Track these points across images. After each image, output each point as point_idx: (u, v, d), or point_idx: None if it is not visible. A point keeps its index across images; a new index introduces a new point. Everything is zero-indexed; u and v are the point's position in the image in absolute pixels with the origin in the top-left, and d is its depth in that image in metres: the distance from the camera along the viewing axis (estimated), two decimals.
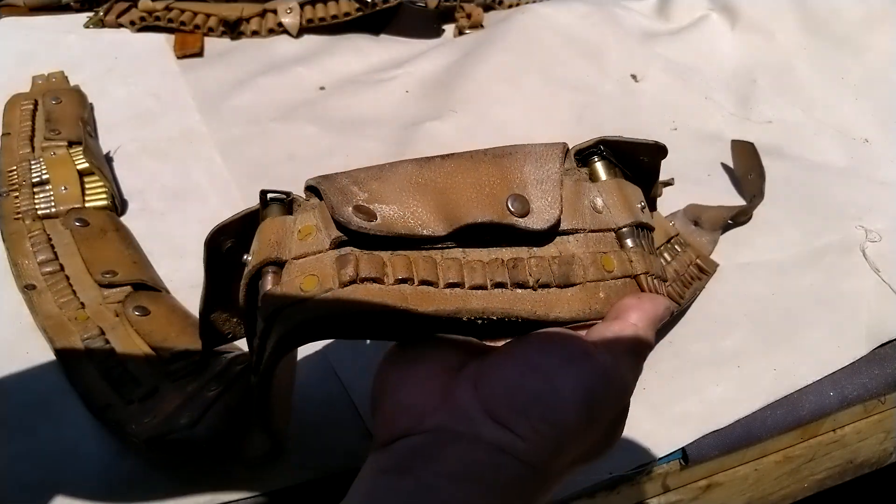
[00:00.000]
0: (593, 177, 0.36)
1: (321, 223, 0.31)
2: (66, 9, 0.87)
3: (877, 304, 0.54)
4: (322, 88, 0.78)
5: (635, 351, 0.31)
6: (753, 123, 0.77)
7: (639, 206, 0.36)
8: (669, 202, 0.63)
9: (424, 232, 0.31)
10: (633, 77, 0.80)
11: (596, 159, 0.36)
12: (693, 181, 0.68)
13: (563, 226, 0.33)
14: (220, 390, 0.41)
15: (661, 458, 0.45)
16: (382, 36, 0.88)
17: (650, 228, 0.37)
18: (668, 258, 0.52)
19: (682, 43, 0.85)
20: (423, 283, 0.30)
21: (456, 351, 0.31)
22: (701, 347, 0.51)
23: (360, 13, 0.84)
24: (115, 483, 0.41)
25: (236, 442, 0.39)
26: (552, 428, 0.28)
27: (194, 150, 0.67)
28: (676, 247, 0.53)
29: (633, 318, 0.31)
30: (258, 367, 0.32)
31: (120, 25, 0.84)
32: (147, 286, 0.51)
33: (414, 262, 0.30)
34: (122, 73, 0.76)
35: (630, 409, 0.45)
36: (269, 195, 0.33)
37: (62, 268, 0.52)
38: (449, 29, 0.92)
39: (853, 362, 0.50)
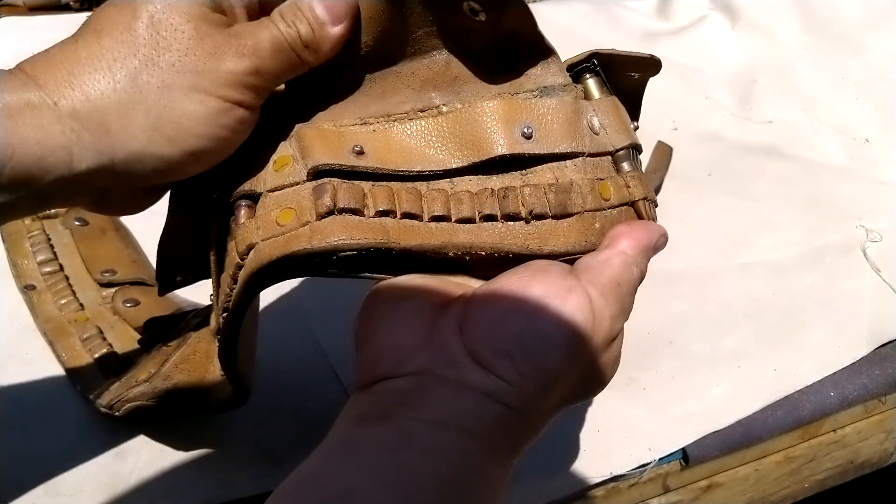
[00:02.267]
0: (587, 94, 0.33)
1: (298, 153, 0.29)
2: (66, 9, 0.87)
3: (877, 304, 0.54)
4: None
5: (624, 280, 0.30)
6: (754, 123, 0.77)
7: (632, 125, 0.34)
8: (669, 202, 0.63)
9: (419, 168, 0.29)
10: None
11: (588, 76, 0.33)
12: (693, 181, 0.68)
13: (562, 148, 0.31)
14: (177, 344, 0.39)
15: (661, 459, 0.45)
16: None
17: (640, 150, 0.35)
18: None
19: (682, 43, 0.85)
20: (406, 215, 0.28)
21: (443, 287, 0.30)
22: (701, 347, 0.51)
23: None
24: (115, 483, 0.41)
25: (198, 392, 0.37)
26: (536, 369, 0.27)
27: None
28: None
29: (624, 246, 0.30)
30: (228, 303, 0.30)
31: None
32: (146, 285, 0.51)
33: (397, 193, 0.28)
34: None
35: (630, 409, 0.45)
36: None
37: (62, 268, 0.52)
38: None
39: (854, 362, 0.50)
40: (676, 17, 0.89)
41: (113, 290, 0.51)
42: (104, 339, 0.47)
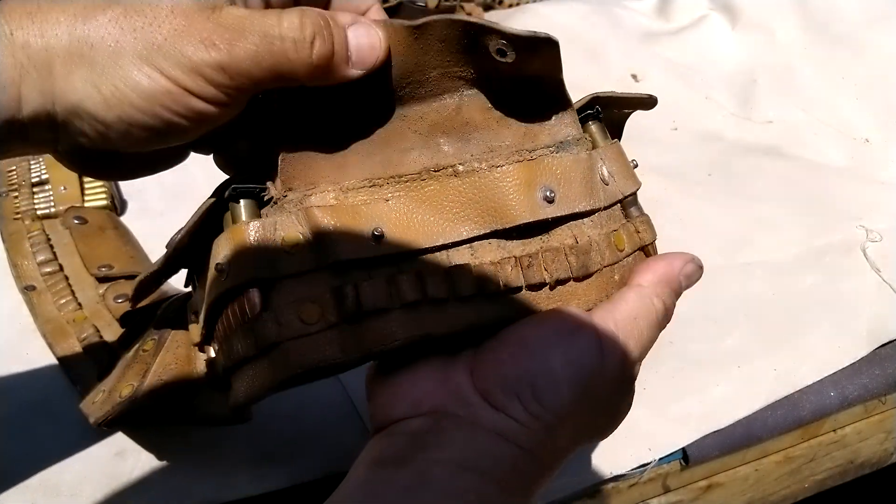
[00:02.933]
0: (593, 143, 0.32)
1: (310, 234, 0.27)
2: None
3: (877, 304, 0.54)
4: None
5: (642, 314, 0.29)
6: (754, 123, 0.77)
7: (633, 167, 0.33)
8: (670, 202, 0.63)
9: (442, 241, 0.28)
10: (634, 77, 0.80)
11: (591, 122, 0.32)
12: (693, 181, 0.68)
13: (581, 207, 0.29)
14: (154, 347, 0.38)
15: (661, 459, 0.45)
16: None
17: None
18: None
19: (682, 43, 0.85)
20: (433, 301, 0.27)
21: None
22: (701, 347, 0.51)
23: None
24: (115, 483, 0.41)
25: (185, 403, 0.36)
26: (545, 409, 0.27)
27: None
28: None
29: (642, 281, 0.30)
30: (225, 383, 0.29)
31: None
32: None
33: (422, 278, 0.27)
34: None
35: (630, 409, 0.45)
36: (239, 189, 0.28)
37: (61, 268, 0.52)
38: None
39: (854, 362, 0.50)
40: (676, 17, 0.89)
41: (109, 284, 0.51)
42: (101, 337, 0.47)
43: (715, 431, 0.46)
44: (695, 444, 0.46)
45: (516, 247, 0.29)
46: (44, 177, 0.58)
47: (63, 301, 0.50)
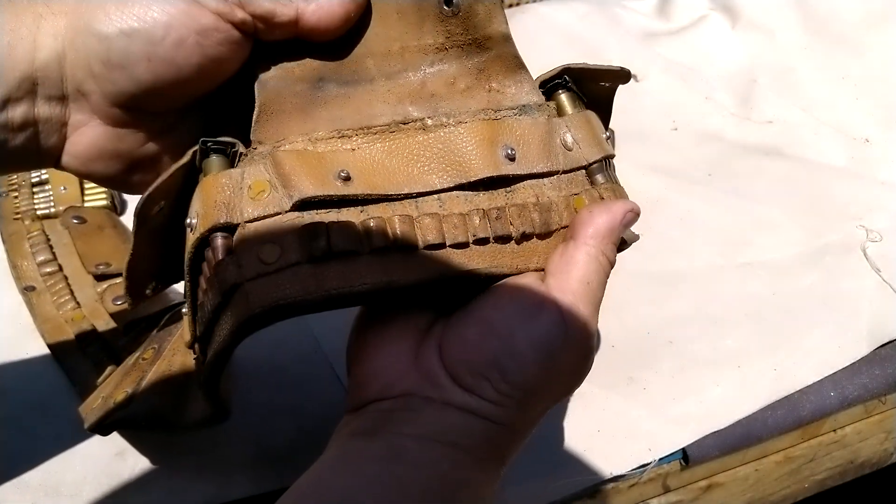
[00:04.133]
0: (560, 110, 0.34)
1: (277, 179, 0.28)
2: None
3: (877, 304, 0.54)
4: None
5: (592, 276, 0.30)
6: (754, 123, 0.76)
7: (604, 137, 0.35)
8: (669, 202, 0.63)
9: (407, 191, 0.29)
10: (634, 77, 0.80)
11: (561, 92, 0.34)
12: (693, 181, 0.68)
13: (539, 168, 0.31)
14: (153, 357, 0.38)
15: (661, 459, 0.45)
16: None
17: (612, 157, 0.35)
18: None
19: (682, 43, 0.85)
20: (400, 247, 0.28)
21: (425, 309, 0.31)
22: (701, 347, 0.51)
23: None
24: (115, 483, 0.41)
25: (174, 411, 0.37)
26: (515, 388, 0.28)
27: None
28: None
29: (585, 237, 0.30)
30: (206, 340, 0.29)
31: None
32: None
33: (389, 222, 0.28)
34: None
35: (630, 409, 0.45)
36: (209, 143, 0.28)
37: (61, 268, 0.52)
38: None
39: (854, 362, 0.50)
40: (676, 17, 0.89)
41: (107, 282, 0.51)
42: (99, 337, 0.47)
43: (715, 431, 0.46)
44: (695, 444, 0.46)
45: (483, 200, 0.30)
46: (44, 177, 0.58)
47: (62, 300, 0.50)
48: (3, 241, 0.54)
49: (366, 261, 0.27)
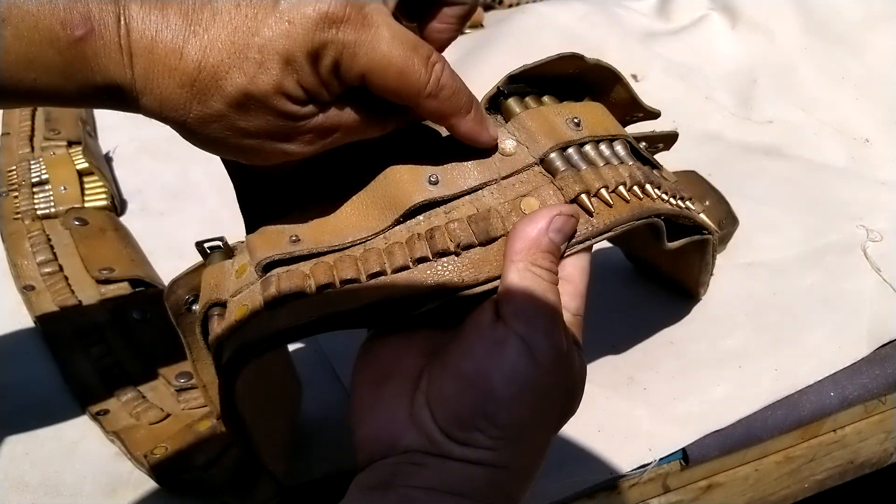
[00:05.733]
0: (508, 117, 0.34)
1: (249, 257, 0.33)
2: None
3: (878, 304, 0.54)
4: None
5: (535, 288, 0.30)
6: (754, 123, 0.77)
7: (567, 123, 0.34)
8: None
9: (351, 239, 0.32)
10: (634, 77, 0.80)
11: (503, 100, 0.35)
12: None
13: (471, 183, 0.32)
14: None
15: (661, 459, 0.45)
16: None
17: (607, 139, 0.35)
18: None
19: (682, 43, 0.85)
20: (345, 282, 0.30)
21: (414, 354, 0.31)
22: (701, 347, 0.51)
23: None
24: (115, 483, 0.41)
25: (246, 487, 0.39)
26: (506, 429, 0.28)
27: (193, 151, 0.67)
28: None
29: (512, 252, 0.30)
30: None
31: None
32: (144, 282, 0.51)
33: (335, 265, 0.31)
34: None
35: (630, 409, 0.45)
36: (206, 245, 0.35)
37: (61, 268, 0.52)
38: None
39: (854, 362, 0.50)
40: (676, 17, 0.90)
41: (110, 286, 0.51)
42: (100, 336, 0.47)
43: (715, 431, 0.46)
44: (695, 444, 0.46)
45: (423, 226, 0.32)
46: (44, 177, 0.58)
47: (62, 299, 0.50)
48: (3, 241, 0.54)
49: (313, 299, 0.30)
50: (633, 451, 0.44)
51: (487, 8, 0.94)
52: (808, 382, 0.49)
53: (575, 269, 0.32)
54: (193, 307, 0.35)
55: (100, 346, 0.47)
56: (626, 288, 0.57)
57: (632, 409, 0.47)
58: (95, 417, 0.43)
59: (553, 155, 0.33)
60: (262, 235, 0.33)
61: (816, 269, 0.57)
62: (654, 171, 0.38)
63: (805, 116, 0.76)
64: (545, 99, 0.36)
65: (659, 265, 0.55)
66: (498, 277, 0.31)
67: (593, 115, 0.36)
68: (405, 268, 0.31)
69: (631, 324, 0.53)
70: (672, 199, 0.38)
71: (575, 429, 0.45)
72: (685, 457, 0.46)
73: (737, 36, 0.85)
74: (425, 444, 0.29)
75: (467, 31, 0.89)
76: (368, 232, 0.32)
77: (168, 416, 0.44)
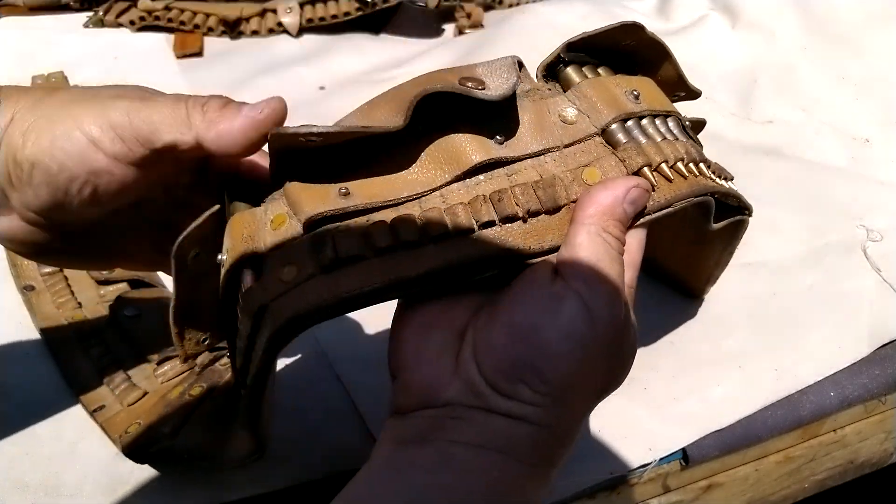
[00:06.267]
0: (566, 86, 0.34)
1: (290, 209, 0.30)
2: (65, 8, 0.87)
3: (878, 304, 0.54)
4: (322, 88, 0.78)
5: (601, 255, 0.29)
6: (754, 123, 0.77)
7: (626, 95, 0.34)
8: None
9: (406, 194, 0.30)
10: None
11: (562, 68, 0.34)
12: None
13: (534, 148, 0.32)
14: (201, 394, 0.40)
15: (661, 459, 0.45)
16: (382, 35, 0.88)
17: (662, 114, 0.35)
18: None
19: (682, 43, 0.85)
20: (405, 245, 0.29)
21: (462, 309, 0.31)
22: (702, 347, 0.51)
23: (361, 13, 0.85)
24: (115, 483, 0.41)
25: (217, 447, 0.38)
26: (551, 386, 0.28)
27: None
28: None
29: (584, 215, 0.30)
30: (247, 368, 0.31)
31: (120, 25, 0.84)
32: (144, 283, 0.51)
33: (392, 224, 0.29)
34: (121, 72, 0.76)
35: (630, 408, 0.45)
36: (231, 187, 0.32)
37: (61, 269, 0.52)
38: (449, 28, 0.92)
39: (854, 362, 0.50)
40: (676, 17, 0.89)
41: (110, 287, 0.51)
42: (100, 338, 0.47)
43: (715, 431, 0.46)
44: (695, 444, 0.46)
45: (485, 186, 0.31)
46: None
47: (62, 300, 0.50)
48: None
49: (375, 262, 0.28)
50: (633, 451, 0.44)
51: (487, 8, 0.94)
52: (808, 382, 0.49)
53: (634, 241, 0.32)
54: (219, 258, 0.31)
55: (99, 347, 0.47)
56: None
57: (632, 409, 0.47)
58: (93, 415, 0.43)
59: (615, 126, 0.33)
60: (306, 186, 0.30)
61: (816, 269, 0.57)
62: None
63: (805, 116, 0.76)
64: (601, 70, 0.36)
65: (666, 262, 0.55)
66: (559, 247, 0.30)
67: (649, 90, 0.36)
68: (470, 230, 0.29)
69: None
70: (719, 179, 0.38)
71: None
72: (685, 457, 0.46)
73: (737, 36, 0.85)
74: (469, 397, 0.28)
75: (467, 31, 0.89)
76: (423, 187, 0.30)
77: (146, 393, 0.43)
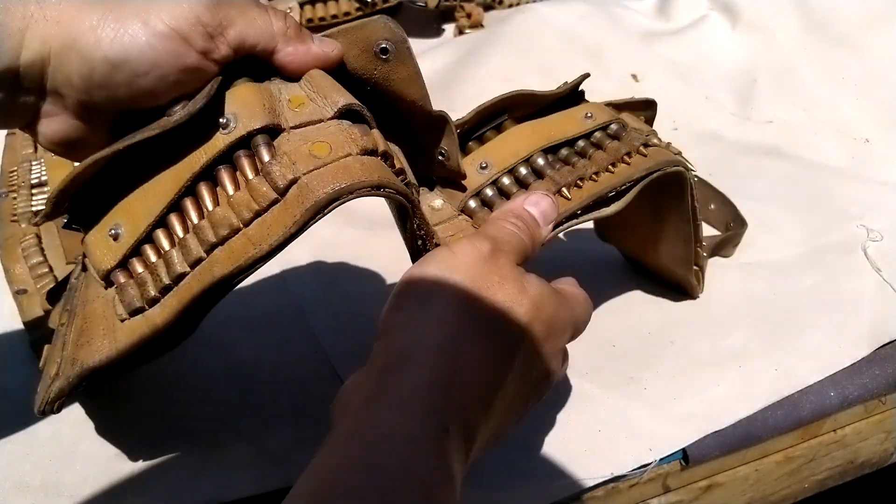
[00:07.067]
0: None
1: (314, 93, 0.31)
2: None
3: (878, 304, 0.54)
4: None
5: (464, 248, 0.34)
6: (754, 123, 0.77)
7: (477, 170, 0.39)
8: None
9: None
10: (634, 77, 0.80)
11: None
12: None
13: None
14: (68, 318, 0.36)
15: (661, 459, 0.45)
16: None
17: (520, 162, 0.40)
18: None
19: (683, 43, 0.85)
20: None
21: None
22: (702, 347, 0.51)
23: (360, 13, 0.85)
24: (115, 483, 0.41)
25: (104, 351, 0.33)
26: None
27: None
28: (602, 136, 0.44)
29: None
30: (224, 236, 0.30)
31: None
32: None
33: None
34: None
35: (631, 408, 0.45)
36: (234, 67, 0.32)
37: (51, 269, 0.52)
38: (449, 29, 0.92)
39: (854, 362, 0.50)
40: (676, 17, 0.90)
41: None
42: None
43: (715, 431, 0.46)
44: (695, 444, 0.46)
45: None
46: (43, 178, 0.58)
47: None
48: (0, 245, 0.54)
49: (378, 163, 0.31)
50: (633, 451, 0.44)
51: (487, 8, 0.94)
52: (808, 382, 0.49)
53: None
54: (221, 120, 0.30)
55: None
56: (626, 288, 0.57)
57: (632, 409, 0.47)
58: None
59: (470, 202, 0.38)
60: (95, 238, 0.33)
61: (816, 269, 0.57)
62: (582, 160, 0.42)
63: (805, 116, 0.77)
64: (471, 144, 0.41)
65: (655, 265, 0.55)
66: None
67: (505, 147, 0.40)
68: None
69: (631, 324, 0.53)
70: (609, 168, 0.41)
71: (575, 429, 0.45)
72: (685, 457, 0.45)
73: (737, 36, 0.85)
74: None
75: (467, 31, 0.90)
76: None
77: None
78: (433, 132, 0.37)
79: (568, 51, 0.81)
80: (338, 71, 0.34)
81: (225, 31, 0.30)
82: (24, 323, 0.48)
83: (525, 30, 0.82)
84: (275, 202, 0.29)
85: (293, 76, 0.33)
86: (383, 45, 0.32)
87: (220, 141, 0.30)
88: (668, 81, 0.80)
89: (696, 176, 0.48)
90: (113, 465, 0.42)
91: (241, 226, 0.30)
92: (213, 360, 0.48)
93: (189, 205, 0.31)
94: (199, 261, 0.31)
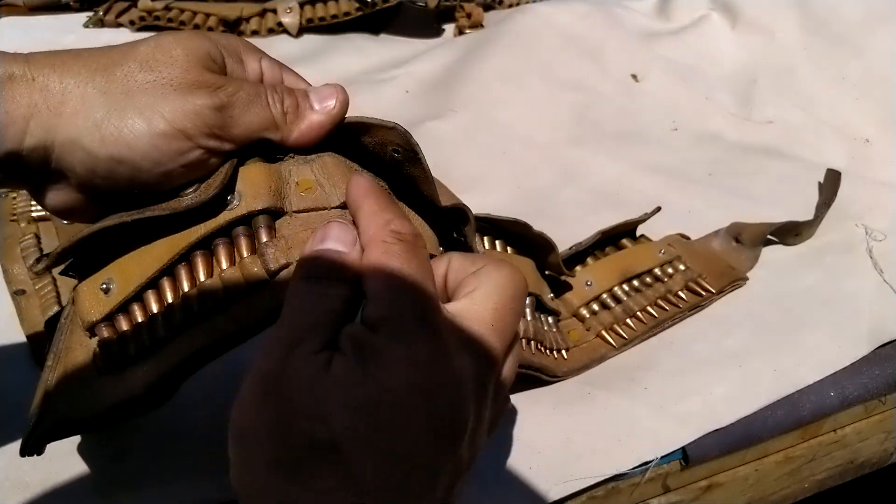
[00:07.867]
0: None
1: (323, 178, 0.31)
2: (65, 8, 0.87)
3: (878, 304, 0.54)
4: None
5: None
6: (754, 123, 0.77)
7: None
8: (670, 202, 0.63)
9: None
10: (634, 77, 0.80)
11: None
12: (694, 181, 0.68)
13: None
14: (53, 364, 0.36)
15: (661, 458, 0.45)
16: (382, 36, 0.88)
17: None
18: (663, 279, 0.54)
19: (683, 43, 0.85)
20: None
21: None
22: (702, 347, 0.51)
23: (360, 13, 0.85)
24: (115, 483, 0.41)
25: (89, 404, 0.34)
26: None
27: None
28: (668, 269, 0.54)
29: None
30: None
31: (119, 25, 0.84)
32: None
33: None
34: None
35: (631, 408, 0.45)
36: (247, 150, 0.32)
37: (50, 270, 0.51)
38: (449, 29, 0.92)
39: (854, 362, 0.50)
40: (676, 17, 0.90)
41: None
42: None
43: (715, 431, 0.46)
44: (695, 443, 0.46)
45: None
46: None
47: (48, 303, 0.49)
48: None
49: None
50: (633, 450, 0.44)
51: (487, 8, 0.94)
52: (808, 382, 0.49)
53: None
54: (231, 199, 0.31)
55: None
56: None
57: (632, 409, 0.47)
58: None
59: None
60: (87, 290, 0.33)
61: (817, 269, 0.57)
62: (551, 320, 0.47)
63: (805, 116, 0.77)
64: (497, 243, 0.44)
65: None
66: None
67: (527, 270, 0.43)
68: None
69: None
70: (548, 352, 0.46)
71: (575, 429, 0.45)
72: (685, 456, 0.45)
73: (737, 36, 0.85)
74: None
75: (467, 31, 0.89)
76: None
77: None
78: (454, 218, 0.36)
79: (568, 51, 0.81)
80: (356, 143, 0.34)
81: (229, 131, 0.31)
82: (26, 335, 0.48)
83: (525, 30, 0.82)
84: (263, 283, 0.30)
85: (306, 148, 0.33)
86: (395, 149, 0.32)
87: (221, 216, 0.31)
88: (668, 81, 0.80)
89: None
90: (112, 465, 0.42)
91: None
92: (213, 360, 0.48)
93: (182, 271, 0.32)
94: (181, 328, 0.31)
